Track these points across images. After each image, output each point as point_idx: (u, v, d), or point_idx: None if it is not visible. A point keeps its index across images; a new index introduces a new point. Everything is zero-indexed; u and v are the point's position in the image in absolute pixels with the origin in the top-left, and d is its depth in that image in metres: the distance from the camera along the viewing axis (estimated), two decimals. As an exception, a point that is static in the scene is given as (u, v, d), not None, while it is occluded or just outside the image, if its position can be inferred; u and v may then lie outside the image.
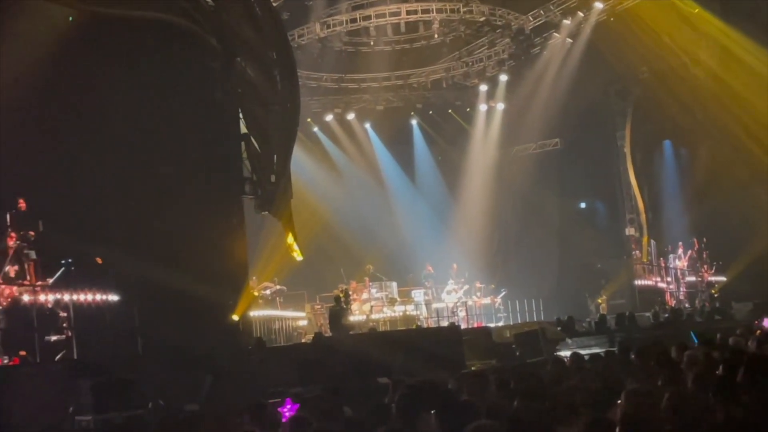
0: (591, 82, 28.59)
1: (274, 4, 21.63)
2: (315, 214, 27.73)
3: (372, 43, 28.03)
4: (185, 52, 18.09)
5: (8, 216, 15.93)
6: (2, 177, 15.90)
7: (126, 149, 16.57)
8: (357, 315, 23.93)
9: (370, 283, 25.96)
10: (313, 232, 26.19)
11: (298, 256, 20.87)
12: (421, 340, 16.46)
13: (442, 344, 15.92)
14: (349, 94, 29.98)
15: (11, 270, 14.89)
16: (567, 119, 29.43)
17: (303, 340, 21.94)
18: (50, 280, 15.57)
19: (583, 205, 32.70)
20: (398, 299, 26.36)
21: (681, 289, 29.07)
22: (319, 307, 25.19)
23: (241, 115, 19.50)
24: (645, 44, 26.33)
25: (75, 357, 13.87)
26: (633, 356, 9.82)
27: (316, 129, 30.31)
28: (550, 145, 31.64)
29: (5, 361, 13.48)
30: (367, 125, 31.24)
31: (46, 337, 14.36)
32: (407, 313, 25.82)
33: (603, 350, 13.74)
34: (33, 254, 15.90)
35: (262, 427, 7.20)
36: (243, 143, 19.56)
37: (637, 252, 30.11)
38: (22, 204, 16.09)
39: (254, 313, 20.79)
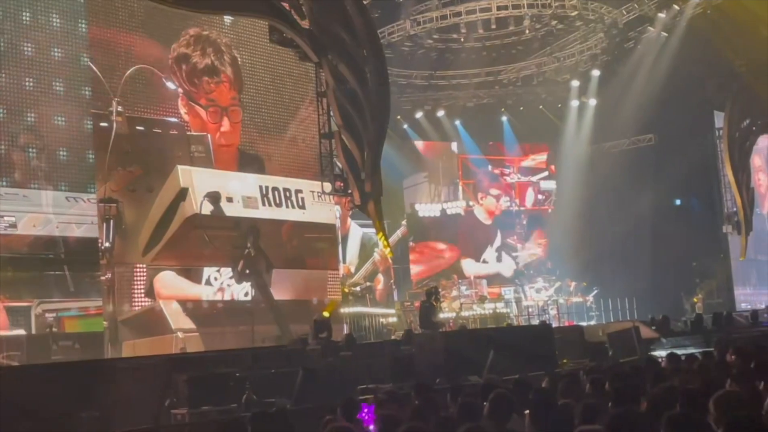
0: (687, 77, 27.96)
1: (365, 2, 21.69)
2: (404, 212, 27.77)
3: (462, 39, 27.94)
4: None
5: None
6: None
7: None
8: (447, 312, 23.88)
9: (459, 281, 25.88)
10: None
11: (389, 254, 20.93)
12: (513, 337, 16.27)
13: (533, 342, 15.68)
14: (439, 90, 29.90)
15: None
16: (662, 114, 28.81)
17: (393, 337, 21.98)
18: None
19: (678, 202, 32.01)
20: (488, 297, 26.24)
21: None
22: (408, 304, 25.23)
23: (331, 112, 19.62)
24: (743, 37, 25.72)
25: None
26: (731, 357, 9.55)
27: (406, 126, 30.32)
28: (644, 141, 31.04)
29: None
30: (458, 122, 31.11)
31: None
32: (497, 310, 25.70)
33: (699, 351, 13.39)
34: None
35: (354, 423, 7.21)
36: (333, 140, 19.68)
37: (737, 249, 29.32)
38: None
39: (344, 310, 20.93)
